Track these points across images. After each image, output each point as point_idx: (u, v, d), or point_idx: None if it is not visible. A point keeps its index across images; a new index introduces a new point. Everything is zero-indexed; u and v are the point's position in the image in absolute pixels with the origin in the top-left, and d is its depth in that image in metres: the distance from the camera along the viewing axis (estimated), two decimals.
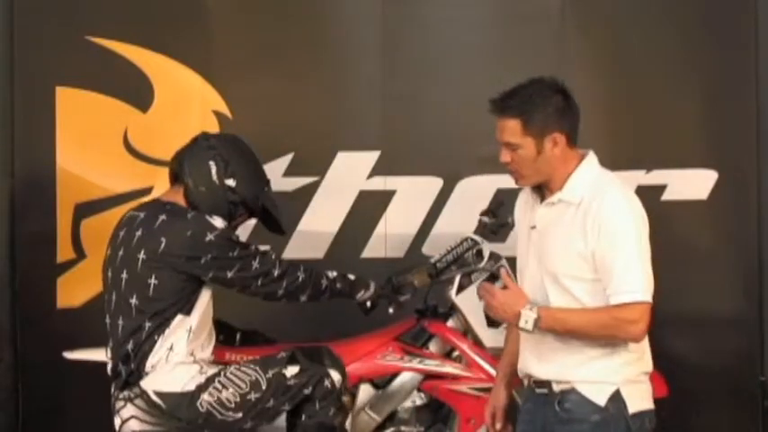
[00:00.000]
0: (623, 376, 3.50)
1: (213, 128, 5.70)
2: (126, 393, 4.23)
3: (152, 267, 4.17)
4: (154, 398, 4.15)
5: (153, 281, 4.17)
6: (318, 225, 4.71)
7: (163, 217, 4.23)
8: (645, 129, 5.62)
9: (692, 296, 5.62)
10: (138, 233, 4.23)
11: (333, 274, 4.40)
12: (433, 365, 4.53)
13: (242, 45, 5.71)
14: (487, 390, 4.11)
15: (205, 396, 4.13)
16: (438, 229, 5.63)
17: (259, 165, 4.56)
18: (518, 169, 3.54)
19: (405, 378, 4.57)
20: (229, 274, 4.19)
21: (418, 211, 5.64)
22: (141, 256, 4.19)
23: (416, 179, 5.65)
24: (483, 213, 4.77)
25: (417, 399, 4.57)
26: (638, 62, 5.63)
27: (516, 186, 3.76)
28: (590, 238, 3.43)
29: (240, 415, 4.16)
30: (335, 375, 4.27)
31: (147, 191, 5.71)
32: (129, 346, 4.19)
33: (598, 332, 3.44)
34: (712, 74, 5.62)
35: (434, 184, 5.64)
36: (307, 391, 4.21)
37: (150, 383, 4.16)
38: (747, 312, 5.63)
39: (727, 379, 5.59)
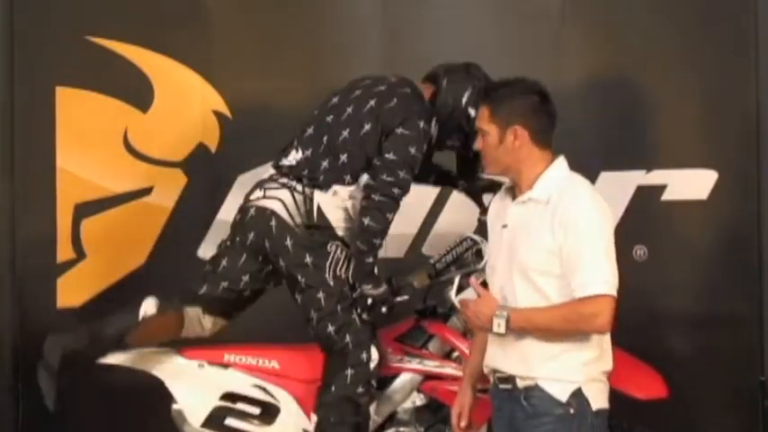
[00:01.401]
0: (585, 375, 3.59)
1: (213, 128, 5.72)
2: (291, 183, 4.44)
3: (371, 115, 4.40)
4: (313, 208, 4.39)
5: (367, 127, 4.39)
6: None
7: (408, 90, 4.49)
8: (645, 129, 5.62)
9: (692, 296, 5.62)
10: (382, 87, 4.48)
11: (378, 253, 4.44)
12: (432, 366, 4.52)
13: (242, 45, 5.72)
14: (487, 390, 4.10)
15: (339, 246, 4.41)
16: (438, 229, 5.63)
17: None
18: (483, 156, 3.73)
19: (404, 379, 4.56)
20: (390, 153, 4.34)
21: (418, 211, 5.65)
22: (372, 103, 4.42)
23: None
24: (482, 213, 4.77)
25: (417, 399, 4.56)
26: (638, 62, 5.63)
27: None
28: (557, 233, 3.54)
29: (331, 284, 4.36)
30: (374, 354, 4.40)
31: (147, 191, 5.72)
32: (326, 164, 4.42)
33: (564, 327, 3.54)
34: (712, 74, 5.62)
35: None
36: (348, 339, 4.36)
37: (321, 197, 4.39)
38: (747, 312, 5.62)
39: (727, 379, 5.59)
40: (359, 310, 4.42)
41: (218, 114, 5.73)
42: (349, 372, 4.36)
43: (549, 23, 5.65)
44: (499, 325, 3.55)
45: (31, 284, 5.72)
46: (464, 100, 4.48)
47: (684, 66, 5.63)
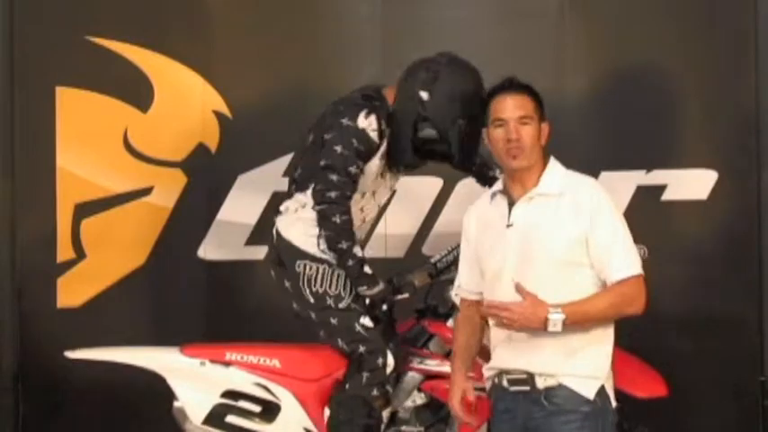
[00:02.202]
0: (605, 372, 3.63)
1: (213, 128, 5.72)
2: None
3: (319, 126, 4.43)
4: (274, 232, 4.49)
5: (310, 138, 4.46)
6: None
7: (348, 95, 4.49)
8: (645, 129, 5.62)
9: (692, 296, 5.62)
10: (337, 99, 4.52)
11: (357, 250, 4.38)
12: (433, 365, 4.52)
13: (242, 45, 5.72)
14: (484, 389, 4.11)
15: (307, 263, 4.39)
16: (438, 229, 5.63)
17: (470, 97, 4.37)
18: (523, 146, 3.66)
19: (405, 378, 4.56)
20: (321, 161, 4.33)
21: (418, 211, 5.65)
22: (320, 116, 4.49)
23: (416, 179, 5.65)
24: None
25: (417, 399, 4.56)
26: (638, 62, 5.64)
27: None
28: (581, 222, 3.59)
29: (312, 301, 4.39)
30: (389, 359, 4.37)
31: (148, 191, 5.72)
32: (289, 180, 4.54)
33: (612, 313, 3.61)
34: (712, 74, 5.62)
35: (434, 184, 5.65)
36: (361, 349, 4.36)
37: (279, 221, 4.49)
38: (747, 312, 5.63)
39: (727, 379, 5.59)
40: (360, 320, 4.40)
41: (218, 114, 5.73)
42: (365, 374, 4.36)
43: (549, 23, 5.65)
44: (555, 324, 3.53)
45: (31, 284, 5.72)
46: (417, 85, 4.38)
47: (684, 66, 5.63)
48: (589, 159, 5.32)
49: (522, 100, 3.70)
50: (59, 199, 5.70)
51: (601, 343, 3.62)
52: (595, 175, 5.37)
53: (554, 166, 3.73)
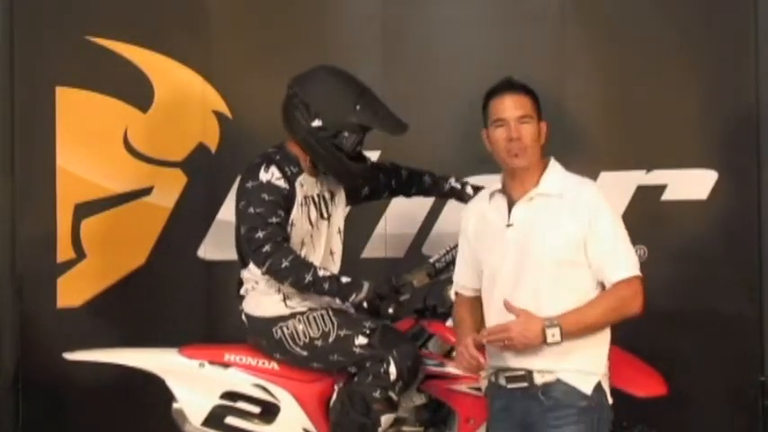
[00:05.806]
0: (603, 369, 3.67)
1: (213, 128, 5.73)
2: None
3: (236, 205, 4.47)
4: (244, 318, 4.54)
5: (236, 219, 4.50)
6: None
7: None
8: (645, 129, 5.62)
9: (693, 296, 5.62)
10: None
11: (323, 272, 4.40)
12: (432, 365, 4.52)
13: (242, 45, 5.72)
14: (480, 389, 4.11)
15: (282, 326, 4.42)
16: (438, 229, 5.63)
17: (341, 85, 4.51)
18: (525, 145, 3.68)
19: None
20: (242, 230, 4.39)
21: (418, 211, 5.64)
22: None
23: None
24: None
25: (417, 399, 4.57)
26: (638, 62, 5.63)
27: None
28: (581, 222, 3.61)
29: (306, 354, 4.43)
30: (392, 367, 4.36)
31: (147, 191, 5.72)
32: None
33: (610, 317, 3.63)
34: (712, 74, 5.62)
35: None
36: (367, 364, 4.38)
37: (245, 305, 4.55)
38: (747, 312, 5.62)
39: (727, 379, 5.59)
40: (355, 342, 4.40)
41: (218, 114, 5.73)
42: (371, 377, 4.38)
43: (549, 23, 5.65)
44: (554, 335, 3.55)
45: (31, 284, 5.72)
46: (303, 124, 4.41)
47: (684, 66, 5.63)
48: (589, 159, 5.34)
49: (522, 99, 3.73)
50: (59, 199, 5.71)
51: (598, 340, 3.65)
52: (595, 174, 5.40)
53: (554, 166, 3.75)
